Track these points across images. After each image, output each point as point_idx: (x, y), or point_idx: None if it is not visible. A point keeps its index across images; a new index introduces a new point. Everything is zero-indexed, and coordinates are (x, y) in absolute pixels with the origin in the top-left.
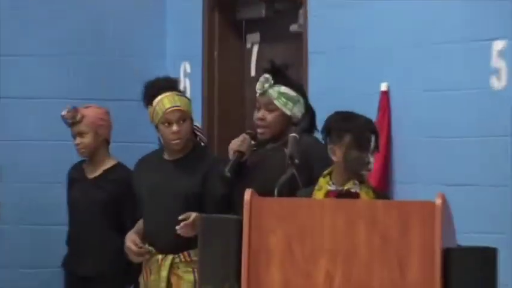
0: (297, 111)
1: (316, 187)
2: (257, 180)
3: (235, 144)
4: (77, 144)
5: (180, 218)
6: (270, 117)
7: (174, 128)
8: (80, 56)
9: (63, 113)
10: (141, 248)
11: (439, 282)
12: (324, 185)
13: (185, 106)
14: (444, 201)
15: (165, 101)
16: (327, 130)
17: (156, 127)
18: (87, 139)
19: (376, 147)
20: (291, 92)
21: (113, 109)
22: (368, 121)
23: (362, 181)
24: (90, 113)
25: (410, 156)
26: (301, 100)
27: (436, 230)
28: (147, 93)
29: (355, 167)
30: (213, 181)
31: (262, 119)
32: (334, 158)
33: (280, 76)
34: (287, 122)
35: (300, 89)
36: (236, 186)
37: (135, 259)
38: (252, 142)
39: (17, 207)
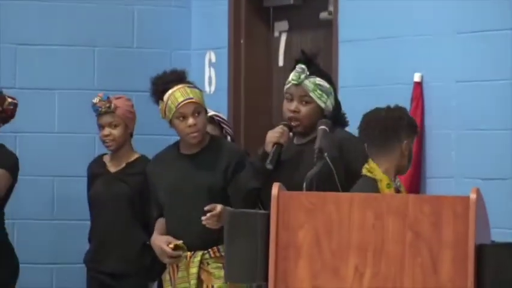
0: (329, 103)
1: (383, 184)
2: (294, 177)
3: (273, 136)
4: (106, 135)
5: (206, 208)
6: (304, 110)
7: (190, 121)
8: (103, 46)
9: (96, 100)
10: (174, 244)
11: (472, 279)
12: (390, 182)
13: (198, 98)
14: (479, 195)
15: (177, 94)
16: (405, 125)
17: (170, 122)
18: (118, 131)
19: None
20: (326, 84)
21: (136, 101)
22: None
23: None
24: (122, 104)
25: (444, 149)
26: (333, 92)
27: (470, 225)
28: (156, 89)
29: (410, 165)
30: (244, 174)
31: (296, 112)
32: (404, 153)
33: (313, 66)
34: (320, 114)
35: (331, 79)
36: (268, 181)
37: (169, 261)
38: (290, 134)
39: (38, 201)
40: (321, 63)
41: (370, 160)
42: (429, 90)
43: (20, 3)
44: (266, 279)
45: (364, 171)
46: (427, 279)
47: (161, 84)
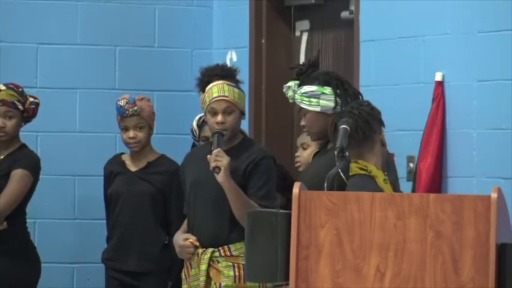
0: (324, 103)
1: (380, 180)
2: (304, 177)
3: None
4: (132, 137)
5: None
6: (305, 121)
7: (219, 118)
8: (125, 46)
9: (122, 103)
10: (192, 241)
11: (494, 278)
12: (385, 177)
13: (234, 97)
14: (500, 195)
15: (214, 89)
16: (376, 115)
17: (205, 115)
18: (143, 133)
19: None
20: (311, 87)
21: (158, 100)
22: None
23: None
24: (146, 106)
25: (465, 149)
26: (328, 89)
27: (491, 224)
28: (201, 79)
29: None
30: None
31: (303, 126)
32: (383, 141)
33: (304, 76)
34: (323, 118)
35: (323, 78)
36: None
37: (186, 257)
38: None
39: (59, 201)
40: (326, 65)
41: (356, 160)
42: (450, 89)
43: (41, 2)
44: (287, 279)
45: (355, 170)
46: (448, 279)
47: (206, 76)
